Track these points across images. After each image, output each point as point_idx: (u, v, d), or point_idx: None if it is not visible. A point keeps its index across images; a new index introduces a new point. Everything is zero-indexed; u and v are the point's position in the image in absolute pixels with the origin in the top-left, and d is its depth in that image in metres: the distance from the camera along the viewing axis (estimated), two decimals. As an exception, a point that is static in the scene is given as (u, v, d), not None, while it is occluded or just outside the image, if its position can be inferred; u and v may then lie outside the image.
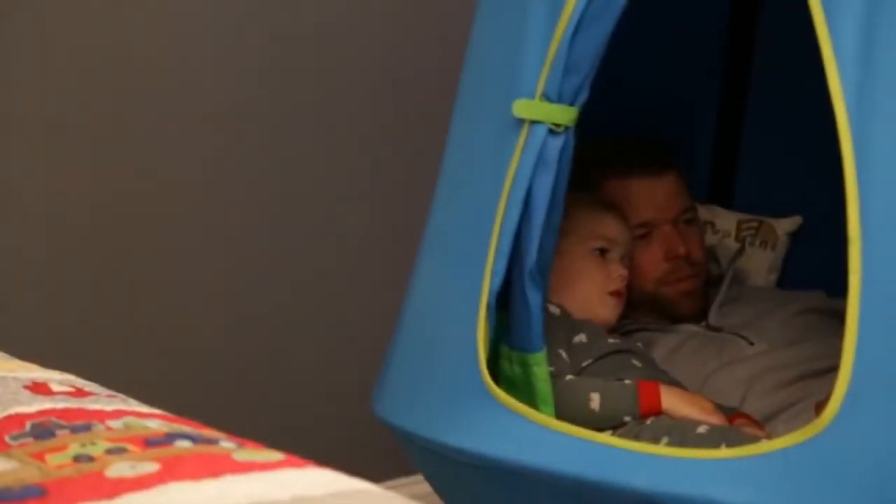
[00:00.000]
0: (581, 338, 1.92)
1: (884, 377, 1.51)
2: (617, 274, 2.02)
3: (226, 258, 2.37)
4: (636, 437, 1.76)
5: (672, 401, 1.82)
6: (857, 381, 1.50)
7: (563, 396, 1.80)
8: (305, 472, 1.08)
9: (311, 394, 2.49)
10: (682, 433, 1.75)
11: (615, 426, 1.80)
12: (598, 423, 1.78)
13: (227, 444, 1.15)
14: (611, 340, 1.95)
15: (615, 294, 2.02)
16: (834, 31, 1.53)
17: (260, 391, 2.43)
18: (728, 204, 2.53)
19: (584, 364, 1.88)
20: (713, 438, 1.74)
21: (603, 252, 2.02)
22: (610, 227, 2.04)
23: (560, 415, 1.78)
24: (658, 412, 1.81)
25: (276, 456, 1.11)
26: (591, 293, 2.01)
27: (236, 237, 2.38)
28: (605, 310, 2.01)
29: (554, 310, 1.93)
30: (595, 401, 1.80)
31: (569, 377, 1.85)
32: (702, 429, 1.76)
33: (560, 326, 1.91)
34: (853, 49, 1.53)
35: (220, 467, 1.07)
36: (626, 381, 1.84)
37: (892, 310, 1.52)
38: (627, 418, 1.80)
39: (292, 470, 1.08)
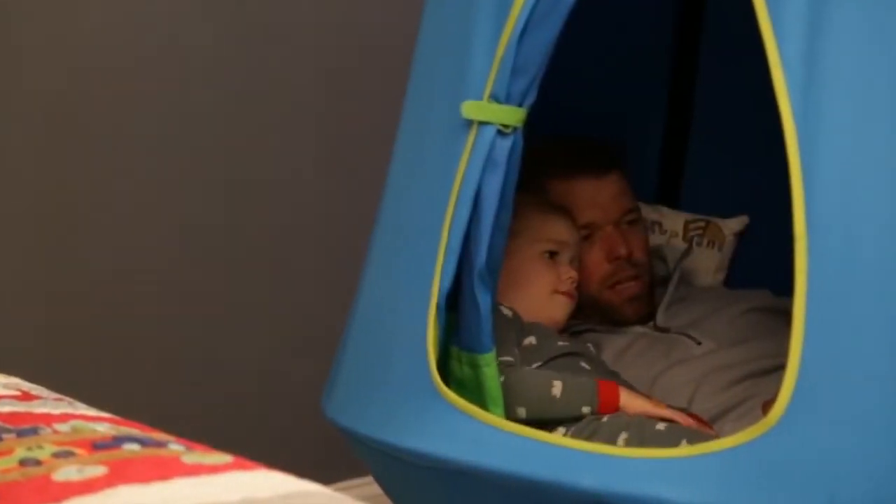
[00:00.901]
0: (531, 340, 1.93)
1: (830, 375, 1.52)
2: (567, 276, 2.03)
3: (173, 257, 2.36)
4: (593, 433, 1.77)
5: (629, 398, 1.84)
6: (803, 380, 1.51)
7: (526, 382, 1.81)
8: (254, 474, 1.08)
9: (261, 395, 2.49)
10: (641, 429, 1.77)
11: (572, 417, 1.80)
12: (555, 411, 1.80)
13: (175, 446, 1.15)
14: (560, 343, 1.96)
15: (565, 294, 2.03)
16: (779, 32, 1.55)
17: (208, 393, 2.42)
18: (675, 204, 2.55)
19: (534, 366, 1.89)
20: (672, 434, 1.75)
21: (553, 254, 2.03)
22: (560, 230, 2.05)
23: (519, 400, 1.79)
24: (616, 410, 1.82)
25: (225, 458, 1.11)
26: (541, 294, 2.02)
27: (184, 237, 2.37)
28: (556, 310, 2.02)
29: (506, 311, 1.94)
30: (557, 388, 1.81)
31: (528, 368, 1.86)
32: (660, 425, 1.78)
33: (512, 328, 1.92)
34: (798, 49, 1.54)
35: (168, 470, 1.06)
36: (586, 378, 1.85)
37: (837, 308, 1.53)
38: (586, 409, 1.81)
39: (241, 472, 1.08)
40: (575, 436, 1.78)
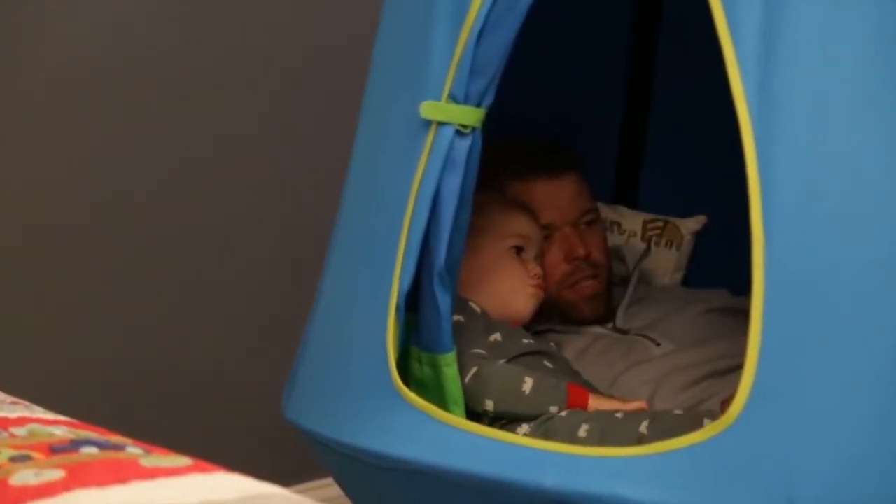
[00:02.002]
0: (496, 337, 1.93)
1: (787, 374, 1.53)
2: (534, 272, 2.04)
3: (129, 258, 2.35)
4: (554, 428, 1.78)
5: (598, 402, 1.84)
6: (760, 379, 1.52)
7: (497, 375, 1.82)
8: (214, 476, 1.08)
9: (220, 397, 2.48)
10: (600, 419, 1.78)
11: (538, 415, 1.81)
12: (523, 407, 1.80)
13: (133, 449, 1.14)
14: (525, 341, 1.96)
15: (534, 288, 2.03)
16: (735, 32, 1.56)
17: (167, 395, 2.41)
18: (633, 204, 2.56)
19: (500, 363, 1.89)
20: (632, 420, 1.76)
21: (519, 250, 2.04)
22: (524, 225, 2.06)
23: (488, 393, 1.79)
24: (584, 406, 1.83)
25: (184, 461, 1.10)
26: (510, 290, 2.02)
27: (141, 237, 2.36)
28: (523, 306, 2.03)
29: (475, 308, 1.95)
30: (528, 384, 1.81)
31: (501, 362, 1.86)
32: (619, 414, 1.79)
33: (481, 323, 1.93)
34: (754, 49, 1.55)
35: (126, 473, 1.06)
36: (554, 380, 1.86)
37: (794, 307, 1.54)
38: (553, 409, 1.81)
39: (200, 475, 1.08)
40: (534, 431, 1.79)
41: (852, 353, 1.54)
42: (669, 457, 1.57)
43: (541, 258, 2.08)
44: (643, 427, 1.75)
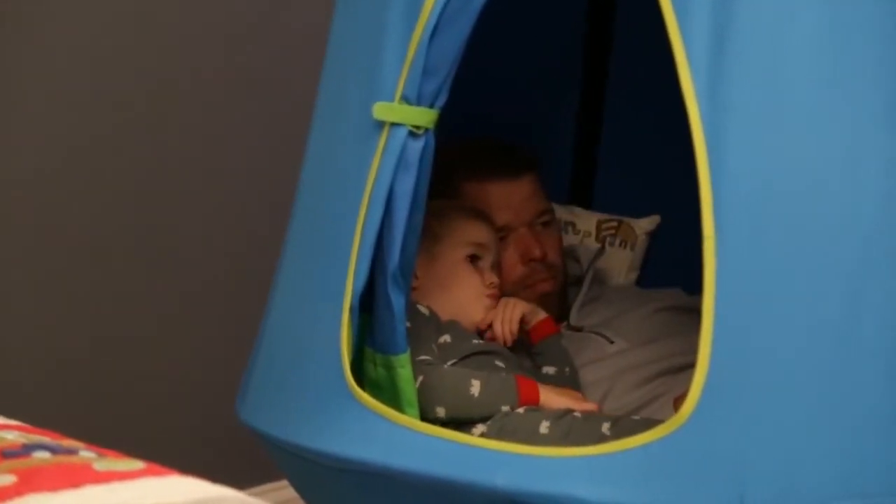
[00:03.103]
0: (446, 338, 1.93)
1: (739, 371, 1.54)
2: (490, 281, 2.04)
3: (81, 260, 2.34)
4: (512, 425, 1.78)
5: (549, 394, 1.85)
6: (713, 376, 1.53)
7: (444, 381, 1.82)
8: (168, 480, 1.08)
9: (174, 400, 2.47)
10: (560, 417, 1.78)
11: (490, 415, 1.81)
12: (475, 409, 1.81)
13: (86, 454, 1.14)
14: (475, 341, 1.97)
15: (489, 297, 2.04)
16: (686, 33, 1.57)
17: (120, 398, 2.40)
18: (588, 205, 2.56)
19: (450, 363, 1.90)
20: (592, 421, 1.77)
21: (475, 259, 2.04)
22: (481, 233, 2.06)
23: (438, 400, 1.79)
24: (535, 404, 1.84)
25: (137, 465, 1.10)
26: (465, 299, 2.02)
27: (92, 240, 2.35)
28: (477, 314, 2.03)
29: (423, 310, 1.95)
30: (476, 386, 1.82)
31: (447, 367, 1.87)
32: (577, 413, 1.80)
33: (429, 326, 1.93)
34: (705, 51, 1.56)
35: (79, 478, 1.05)
36: (504, 374, 1.86)
37: (746, 306, 1.55)
38: (506, 408, 1.82)
39: (154, 478, 1.07)
40: (489, 430, 1.79)
41: (802, 352, 1.55)
42: (623, 456, 1.57)
43: (497, 267, 2.08)
44: (605, 429, 1.75)
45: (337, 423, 1.76)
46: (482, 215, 2.09)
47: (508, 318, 2.00)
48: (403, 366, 1.77)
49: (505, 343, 2.00)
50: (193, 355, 2.49)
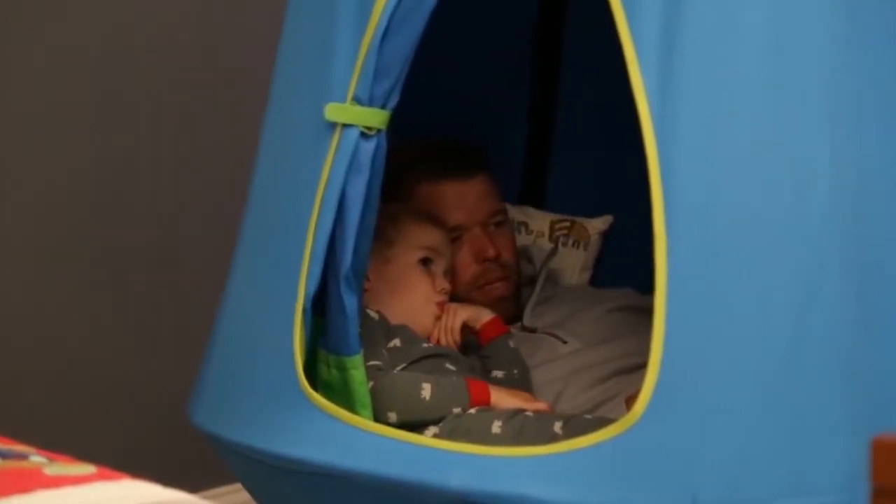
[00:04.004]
0: (396, 342, 1.93)
1: (691, 371, 1.55)
2: (441, 287, 2.03)
3: (26, 262, 2.32)
4: (465, 426, 1.78)
5: (499, 395, 1.85)
6: (664, 376, 1.54)
7: (394, 386, 1.82)
8: (119, 484, 1.07)
9: (124, 403, 2.45)
10: (513, 416, 1.79)
11: (442, 417, 1.82)
12: (426, 413, 1.81)
13: (37, 458, 1.13)
14: (425, 345, 1.97)
15: (438, 305, 2.04)
16: (636, 33, 1.57)
17: (71, 402, 2.38)
18: (541, 205, 2.57)
19: (400, 367, 1.90)
20: (545, 419, 1.77)
21: (427, 262, 2.03)
22: (434, 238, 2.05)
23: (389, 405, 1.79)
24: (486, 405, 1.84)
25: (89, 469, 1.10)
26: (416, 303, 2.02)
27: (41, 237, 2.33)
28: (427, 319, 2.03)
29: (373, 314, 1.94)
30: (427, 390, 1.82)
31: (396, 371, 1.86)
32: (529, 412, 1.80)
33: (378, 330, 1.93)
34: (655, 50, 1.57)
35: (30, 482, 1.05)
36: (454, 377, 1.86)
37: (697, 305, 1.56)
38: (457, 410, 1.82)
39: (106, 483, 1.07)
40: (441, 431, 1.79)
41: (753, 351, 1.56)
42: (575, 455, 1.58)
43: (450, 273, 2.08)
44: (557, 428, 1.76)
45: (290, 425, 1.75)
46: (436, 220, 2.09)
47: (449, 326, 2.00)
48: (356, 367, 1.77)
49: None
50: (145, 357, 2.48)
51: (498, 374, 2.01)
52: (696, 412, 1.55)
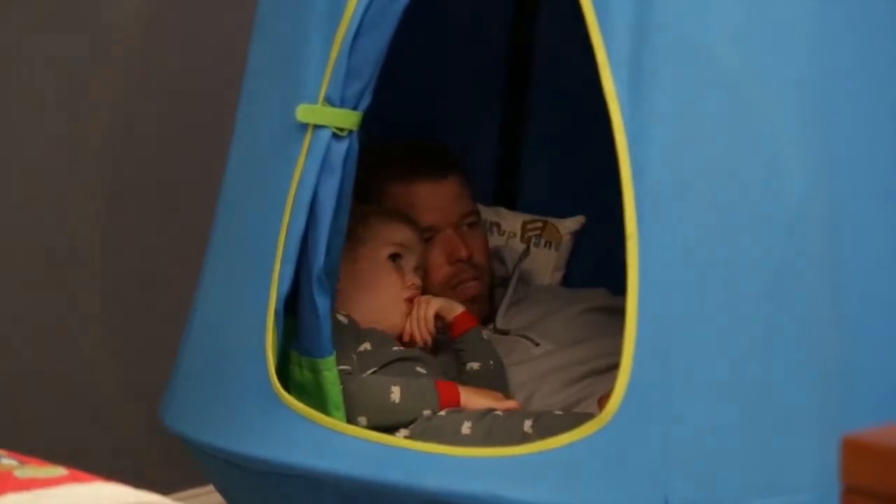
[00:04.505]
0: (366, 346, 1.93)
1: (663, 371, 1.56)
2: (411, 282, 2.03)
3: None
4: (435, 427, 1.78)
5: (469, 396, 1.86)
6: (636, 376, 1.55)
7: (364, 390, 1.82)
8: (91, 486, 1.07)
9: (96, 404, 2.45)
10: (482, 417, 1.79)
11: (413, 420, 1.82)
12: (397, 416, 1.81)
13: (8, 461, 1.13)
14: (395, 348, 1.97)
15: (408, 301, 2.04)
16: (607, 34, 1.58)
17: (42, 404, 2.37)
18: (513, 206, 2.57)
19: (370, 371, 1.90)
20: (514, 418, 1.77)
21: (396, 258, 2.04)
22: (403, 233, 2.05)
23: (359, 409, 1.79)
24: (456, 406, 1.84)
25: (60, 472, 1.09)
26: (386, 300, 2.02)
27: (7, 236, 2.32)
28: (397, 317, 2.03)
29: (342, 318, 1.94)
30: (396, 393, 1.82)
31: (365, 376, 1.86)
32: (499, 412, 1.80)
33: (348, 334, 1.93)
34: (626, 51, 1.57)
35: (0, 486, 1.04)
36: (424, 380, 1.86)
37: (668, 305, 1.56)
38: (427, 412, 1.82)
39: (77, 485, 1.07)
40: (412, 433, 1.79)
41: (725, 351, 1.56)
42: (548, 455, 1.58)
43: (422, 269, 2.09)
44: (527, 426, 1.76)
45: (263, 427, 1.75)
46: (405, 217, 2.09)
47: (423, 316, 2.01)
48: (329, 369, 1.77)
49: (425, 343, 2.00)
50: (117, 359, 2.47)
51: (474, 365, 2.01)
52: (668, 412, 1.55)
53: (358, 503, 1.72)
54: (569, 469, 1.56)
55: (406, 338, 2.00)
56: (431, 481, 1.63)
